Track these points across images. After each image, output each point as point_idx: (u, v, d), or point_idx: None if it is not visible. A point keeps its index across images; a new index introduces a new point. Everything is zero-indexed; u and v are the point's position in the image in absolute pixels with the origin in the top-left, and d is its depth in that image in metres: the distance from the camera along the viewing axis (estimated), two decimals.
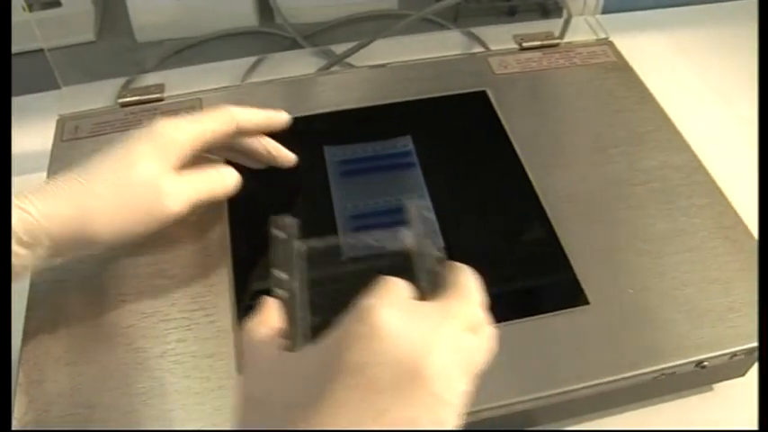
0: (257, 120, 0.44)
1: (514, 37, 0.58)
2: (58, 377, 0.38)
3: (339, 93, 0.54)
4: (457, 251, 0.43)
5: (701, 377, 0.43)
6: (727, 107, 0.66)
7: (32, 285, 0.42)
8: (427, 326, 0.28)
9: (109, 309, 0.40)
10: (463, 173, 0.49)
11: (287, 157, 0.46)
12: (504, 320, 0.39)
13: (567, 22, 0.59)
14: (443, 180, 0.48)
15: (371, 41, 0.63)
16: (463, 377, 0.28)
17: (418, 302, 0.30)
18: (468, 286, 0.31)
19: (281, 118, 0.45)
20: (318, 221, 0.45)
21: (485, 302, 0.31)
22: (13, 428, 0.36)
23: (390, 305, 0.28)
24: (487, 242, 0.45)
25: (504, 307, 0.41)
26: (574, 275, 0.42)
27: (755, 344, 0.39)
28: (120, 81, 0.61)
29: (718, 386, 0.46)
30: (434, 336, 0.28)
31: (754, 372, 0.44)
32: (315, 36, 0.71)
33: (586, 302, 0.41)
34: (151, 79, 0.57)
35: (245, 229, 0.44)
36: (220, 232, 0.44)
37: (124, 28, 0.69)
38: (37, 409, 0.36)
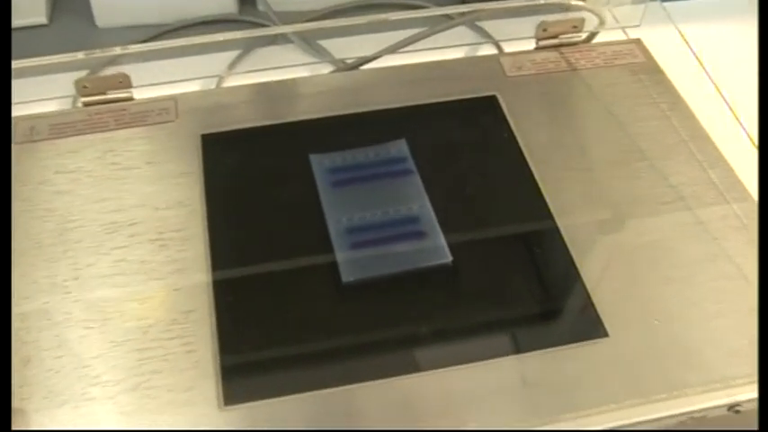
0: None
1: (537, 27, 0.60)
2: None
3: (330, 96, 0.56)
4: (464, 276, 0.46)
5: (734, 424, 0.46)
6: None
7: None
8: None
9: (73, 338, 0.42)
10: (468, 186, 0.52)
11: None
12: (515, 353, 0.42)
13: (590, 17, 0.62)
14: (445, 193, 0.50)
15: (378, 56, 0.64)
16: None
17: None
18: None
19: None
20: (311, 237, 0.47)
21: None
22: None
23: None
24: (495, 266, 0.47)
25: (513, 338, 0.44)
26: (591, 304, 0.44)
27: None
28: (78, 74, 0.63)
29: None
30: None
31: None
32: (301, 25, 0.73)
33: (605, 335, 0.43)
34: (114, 73, 0.58)
35: (226, 248, 0.47)
36: (199, 251, 0.46)
37: (82, 10, 0.71)
38: None
